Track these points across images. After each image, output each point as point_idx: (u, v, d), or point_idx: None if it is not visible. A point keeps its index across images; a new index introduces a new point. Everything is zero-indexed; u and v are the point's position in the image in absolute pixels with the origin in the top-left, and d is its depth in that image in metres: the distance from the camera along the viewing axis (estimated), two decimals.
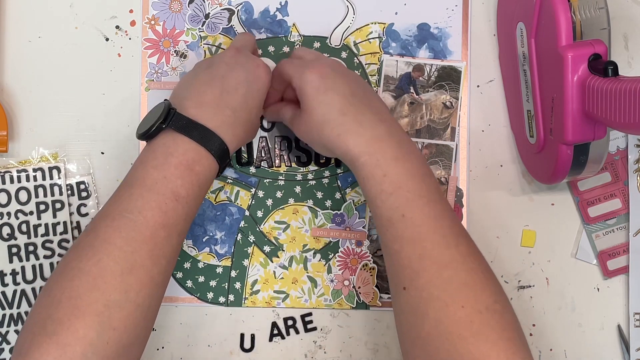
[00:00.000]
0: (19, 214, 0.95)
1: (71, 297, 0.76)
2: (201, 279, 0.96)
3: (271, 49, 0.97)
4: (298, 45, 0.97)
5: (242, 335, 0.96)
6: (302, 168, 0.97)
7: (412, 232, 0.81)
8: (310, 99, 0.85)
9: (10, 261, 0.94)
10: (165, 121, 0.83)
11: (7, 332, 0.94)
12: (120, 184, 0.83)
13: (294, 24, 0.97)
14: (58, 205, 0.95)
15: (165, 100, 0.87)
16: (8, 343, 0.94)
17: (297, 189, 0.97)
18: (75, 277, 0.77)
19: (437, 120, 0.97)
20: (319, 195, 0.97)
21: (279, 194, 0.97)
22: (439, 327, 0.78)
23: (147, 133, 0.83)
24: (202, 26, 0.97)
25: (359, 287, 0.96)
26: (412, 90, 0.97)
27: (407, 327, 0.81)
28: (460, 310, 0.77)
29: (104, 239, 0.78)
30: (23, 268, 0.94)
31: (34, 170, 0.95)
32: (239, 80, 0.86)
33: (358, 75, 0.90)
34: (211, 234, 0.96)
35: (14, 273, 0.94)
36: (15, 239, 0.94)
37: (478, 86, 0.98)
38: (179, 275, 0.96)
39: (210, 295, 0.96)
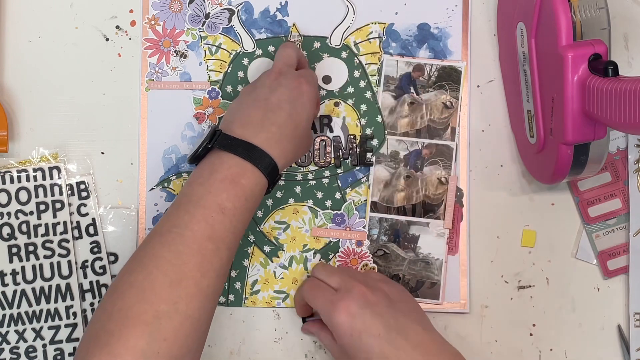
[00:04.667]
0: (19, 214, 0.95)
1: (122, 309, 0.76)
2: None
3: (271, 49, 0.97)
4: (298, 45, 0.97)
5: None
6: (302, 168, 0.97)
7: None
8: (346, 345, 0.84)
9: (10, 261, 0.94)
10: (211, 142, 0.85)
11: (7, 332, 0.94)
12: (170, 205, 0.85)
13: (294, 24, 0.97)
14: (58, 205, 0.95)
15: (214, 124, 0.88)
16: (8, 343, 0.94)
17: (297, 189, 0.97)
18: (126, 290, 0.78)
19: (437, 120, 0.97)
20: (319, 195, 0.97)
21: (279, 194, 0.97)
22: None
23: (195, 154, 0.85)
24: (202, 26, 0.97)
25: None
26: (412, 90, 0.97)
27: None
28: None
29: (153, 253, 0.80)
30: (23, 268, 0.94)
31: (34, 170, 0.95)
32: (282, 99, 0.86)
33: (389, 293, 0.88)
34: None
35: (14, 273, 0.94)
36: (15, 239, 0.94)
37: (478, 86, 0.98)
38: None
39: None
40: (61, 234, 0.95)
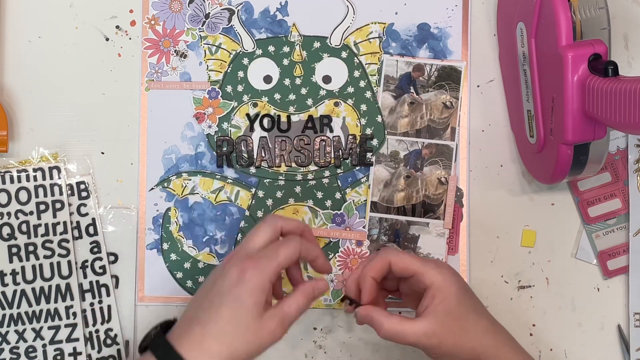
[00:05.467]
0: (19, 214, 0.95)
1: None
2: (201, 279, 0.96)
3: (271, 49, 0.97)
4: (298, 45, 0.97)
5: None
6: (302, 168, 0.97)
7: None
8: (459, 305, 0.82)
9: (10, 261, 0.94)
10: (145, 339, 0.81)
11: (7, 332, 0.94)
12: None
13: (294, 24, 0.97)
14: (58, 205, 0.95)
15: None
16: (8, 343, 0.94)
17: (297, 189, 0.97)
18: None
19: (437, 120, 0.97)
20: (319, 195, 0.97)
21: (279, 194, 0.97)
22: None
23: (140, 345, 0.82)
24: (202, 26, 0.97)
25: None
26: (412, 90, 0.97)
27: None
28: None
29: None
30: (23, 268, 0.94)
31: (34, 170, 0.95)
32: (216, 291, 0.79)
33: None
34: (211, 234, 0.96)
35: (14, 273, 0.94)
36: (15, 239, 0.94)
37: (478, 86, 0.98)
38: (179, 275, 0.96)
39: None
40: (61, 234, 0.95)
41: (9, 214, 0.95)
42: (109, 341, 0.95)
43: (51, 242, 0.95)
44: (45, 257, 0.94)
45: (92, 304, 0.95)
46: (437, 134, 0.97)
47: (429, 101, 0.97)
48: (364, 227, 0.96)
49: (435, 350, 0.82)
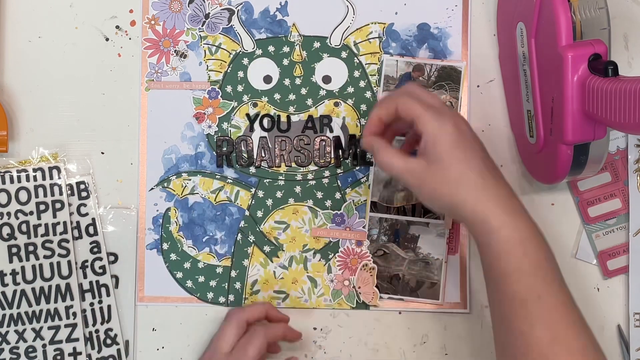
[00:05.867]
0: (19, 214, 0.95)
1: None
2: (201, 279, 0.96)
3: (271, 49, 0.97)
4: (298, 45, 0.97)
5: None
6: (302, 168, 0.97)
7: (547, 315, 0.79)
8: (448, 154, 0.81)
9: (10, 261, 0.94)
10: None
11: (7, 332, 0.94)
12: None
13: (294, 24, 0.97)
14: (58, 205, 0.95)
15: None
16: (8, 343, 0.94)
17: (297, 189, 0.97)
18: None
19: None
20: (319, 195, 0.97)
21: (279, 194, 0.97)
22: None
23: None
24: (202, 26, 0.97)
25: (359, 287, 0.96)
26: None
27: None
28: None
29: None
30: (23, 268, 0.94)
31: (34, 170, 0.95)
32: None
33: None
34: (211, 234, 0.96)
35: (14, 273, 0.94)
36: (15, 239, 0.94)
37: (478, 86, 0.98)
38: (179, 275, 0.96)
39: (210, 295, 0.96)
40: (61, 234, 0.95)
41: (9, 214, 0.95)
42: (109, 341, 0.95)
43: (51, 242, 0.95)
44: (45, 257, 0.94)
45: (92, 304, 0.95)
46: None
47: None
48: (364, 227, 0.96)
49: (416, 190, 0.84)
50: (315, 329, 0.96)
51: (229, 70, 0.97)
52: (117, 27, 0.97)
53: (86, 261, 0.95)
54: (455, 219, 0.88)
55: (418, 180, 0.83)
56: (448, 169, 0.81)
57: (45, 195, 0.95)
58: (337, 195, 0.97)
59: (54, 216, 0.95)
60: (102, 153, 0.96)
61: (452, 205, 0.82)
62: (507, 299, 0.80)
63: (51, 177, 0.95)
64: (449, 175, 0.81)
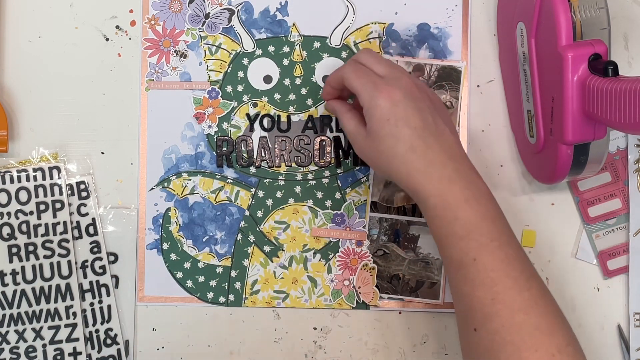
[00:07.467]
0: (19, 214, 0.95)
1: None
2: (201, 279, 0.96)
3: (271, 49, 0.97)
4: (298, 45, 0.97)
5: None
6: (302, 168, 0.97)
7: (484, 276, 0.80)
8: (379, 128, 0.83)
9: (10, 261, 0.94)
10: None
11: (7, 332, 0.94)
12: None
13: (294, 24, 0.97)
14: (58, 205, 0.95)
15: None
16: (8, 343, 0.94)
17: (297, 189, 0.97)
18: None
19: None
20: (319, 195, 0.97)
21: (279, 194, 0.97)
22: None
23: None
24: (202, 26, 0.97)
25: (359, 287, 0.96)
26: None
27: None
28: (534, 354, 0.78)
29: None
30: (23, 268, 0.94)
31: (34, 170, 0.95)
32: None
33: (430, 96, 0.87)
34: (211, 234, 0.96)
35: (14, 273, 0.94)
36: (15, 239, 0.94)
37: (478, 86, 0.98)
38: (179, 275, 0.96)
39: (210, 295, 0.96)
40: (61, 233, 0.95)
41: (9, 214, 0.95)
42: (109, 341, 0.95)
43: (51, 242, 0.95)
44: (45, 257, 0.94)
45: (92, 304, 0.95)
46: None
47: None
48: (364, 227, 0.96)
49: (360, 156, 0.88)
50: (315, 329, 0.96)
51: (229, 70, 0.97)
52: (117, 27, 0.97)
53: (86, 261, 0.95)
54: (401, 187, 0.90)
55: (360, 148, 0.87)
56: (380, 142, 0.84)
57: (45, 195, 0.95)
58: (337, 195, 0.97)
59: (54, 216, 0.95)
60: (102, 153, 0.96)
61: (388, 176, 0.85)
62: (447, 262, 0.83)
63: (51, 177, 0.95)
64: (381, 148, 0.84)
